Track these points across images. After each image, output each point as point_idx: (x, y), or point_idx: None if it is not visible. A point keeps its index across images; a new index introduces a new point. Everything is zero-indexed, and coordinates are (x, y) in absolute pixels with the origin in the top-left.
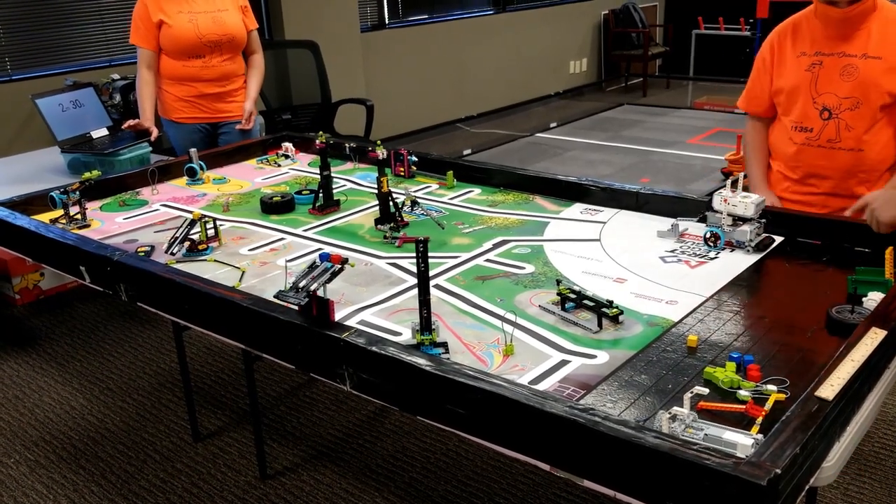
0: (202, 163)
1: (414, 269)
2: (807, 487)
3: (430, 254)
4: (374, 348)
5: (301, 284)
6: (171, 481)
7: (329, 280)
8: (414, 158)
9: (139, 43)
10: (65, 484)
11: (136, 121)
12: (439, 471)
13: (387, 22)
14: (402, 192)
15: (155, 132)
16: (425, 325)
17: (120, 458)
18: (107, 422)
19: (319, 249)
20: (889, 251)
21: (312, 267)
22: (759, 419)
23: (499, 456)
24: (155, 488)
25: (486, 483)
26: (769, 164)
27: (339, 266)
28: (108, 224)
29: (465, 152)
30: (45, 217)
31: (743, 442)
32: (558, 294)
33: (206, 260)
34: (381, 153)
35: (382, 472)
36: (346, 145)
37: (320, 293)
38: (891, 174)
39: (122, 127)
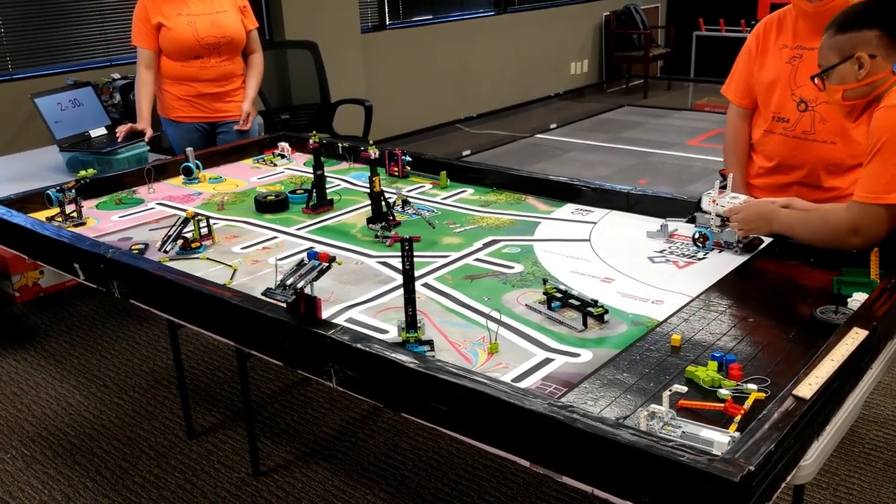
0: (198, 162)
1: None
2: (783, 485)
3: (420, 253)
4: (358, 345)
5: (289, 282)
6: (165, 477)
7: (316, 278)
8: (408, 158)
9: (139, 44)
10: (60, 479)
11: (127, 125)
12: (430, 469)
13: (387, 23)
14: (394, 191)
15: (149, 133)
16: (410, 323)
17: (115, 455)
18: (102, 418)
19: (311, 248)
20: (874, 252)
21: (300, 265)
22: (738, 418)
23: (489, 454)
24: (149, 484)
25: (477, 481)
26: (749, 156)
27: (327, 264)
28: (103, 222)
29: (465, 153)
30: (42, 215)
31: (719, 439)
32: (544, 293)
33: (198, 258)
34: (373, 153)
35: (374, 470)
36: (340, 145)
37: (308, 291)
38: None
39: (116, 132)
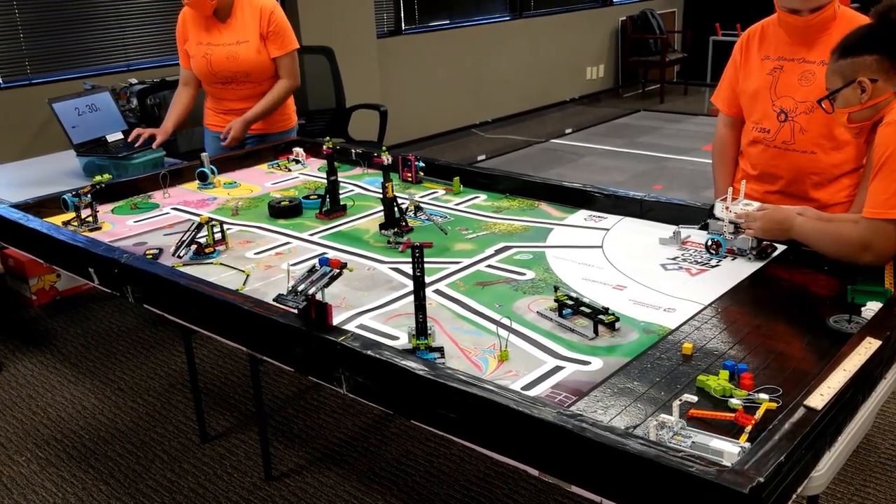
0: (213, 167)
1: None
2: (794, 496)
3: (431, 259)
4: (369, 352)
5: (300, 288)
6: (178, 481)
7: (328, 284)
8: (421, 164)
9: (180, 61)
10: (73, 482)
11: (147, 131)
12: (442, 475)
13: (403, 27)
14: (407, 197)
15: (159, 139)
16: (421, 329)
17: (128, 458)
18: (117, 422)
19: (324, 253)
20: (889, 263)
21: (312, 271)
22: (749, 428)
23: (501, 461)
24: (162, 488)
25: (489, 488)
26: (737, 162)
27: (338, 270)
28: (118, 227)
29: (480, 158)
30: (58, 219)
31: (729, 450)
32: (556, 300)
33: (212, 263)
34: (386, 158)
35: (386, 476)
36: (353, 150)
37: (319, 297)
38: (850, 179)
39: (128, 139)
